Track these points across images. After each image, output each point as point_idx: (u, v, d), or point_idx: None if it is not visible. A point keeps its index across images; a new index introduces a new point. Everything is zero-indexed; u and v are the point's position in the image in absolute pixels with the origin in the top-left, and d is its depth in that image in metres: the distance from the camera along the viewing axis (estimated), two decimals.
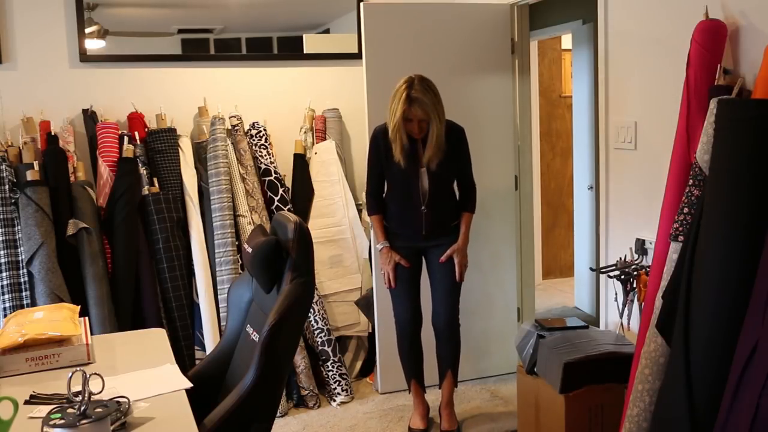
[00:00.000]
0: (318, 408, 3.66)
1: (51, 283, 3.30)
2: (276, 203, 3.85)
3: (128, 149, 3.59)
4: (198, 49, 4.00)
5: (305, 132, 4.06)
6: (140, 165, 3.64)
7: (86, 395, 1.53)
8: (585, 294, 5.24)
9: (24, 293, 3.35)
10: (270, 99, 4.05)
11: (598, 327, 3.16)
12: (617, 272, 2.77)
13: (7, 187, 3.38)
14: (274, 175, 3.86)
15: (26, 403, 1.76)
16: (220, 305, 3.63)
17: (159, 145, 3.70)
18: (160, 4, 3.96)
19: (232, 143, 3.81)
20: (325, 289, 3.92)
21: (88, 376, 1.56)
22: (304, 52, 4.15)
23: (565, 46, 5.88)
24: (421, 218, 3.17)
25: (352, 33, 4.17)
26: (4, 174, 3.38)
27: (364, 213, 3.41)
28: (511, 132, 3.90)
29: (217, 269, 3.63)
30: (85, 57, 3.72)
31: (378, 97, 3.41)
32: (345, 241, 3.98)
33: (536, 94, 5.69)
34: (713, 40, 2.28)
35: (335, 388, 3.72)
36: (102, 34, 3.79)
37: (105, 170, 3.57)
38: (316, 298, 3.78)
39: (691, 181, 2.22)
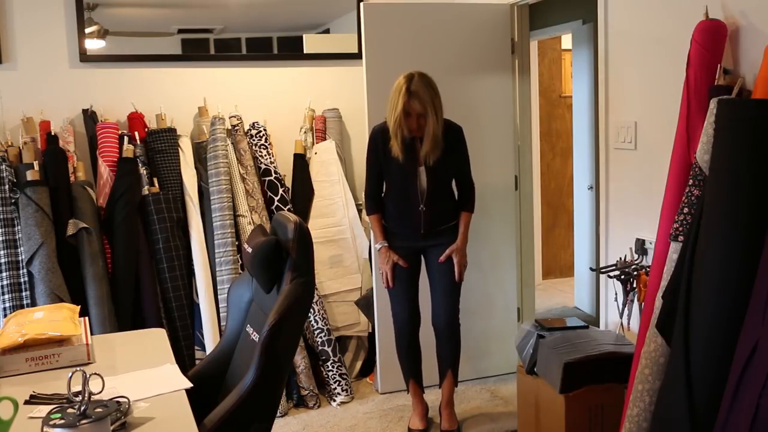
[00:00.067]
0: (318, 408, 3.66)
1: (51, 283, 3.30)
2: (276, 203, 3.85)
3: (128, 149, 3.59)
4: (198, 49, 4.01)
5: (305, 132, 4.06)
6: (140, 165, 3.64)
7: (86, 395, 1.53)
8: (585, 294, 5.24)
9: (24, 293, 3.35)
10: (270, 99, 4.05)
11: (598, 327, 3.16)
12: (617, 272, 2.77)
13: (7, 187, 3.38)
14: (274, 175, 3.86)
15: (26, 403, 1.76)
16: (220, 305, 3.63)
17: (159, 145, 3.70)
18: (160, 4, 3.96)
19: (232, 143, 3.82)
20: (325, 289, 3.92)
21: (88, 376, 1.56)
22: (304, 52, 4.15)
23: (565, 46, 5.88)
24: (419, 217, 3.17)
25: (352, 33, 4.17)
26: (4, 174, 3.38)
27: (364, 213, 3.42)
28: (511, 132, 3.90)
29: (217, 269, 3.63)
30: (85, 57, 3.72)
31: (378, 97, 3.41)
32: (345, 241, 3.98)
33: (536, 94, 5.69)
34: (713, 40, 2.28)
35: (335, 388, 3.72)
36: (102, 34, 3.79)
37: (105, 170, 3.57)
38: (316, 298, 3.78)
39: (691, 181, 2.22)
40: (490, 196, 3.83)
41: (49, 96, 3.67)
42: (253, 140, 3.88)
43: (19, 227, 3.37)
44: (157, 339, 2.33)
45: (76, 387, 1.56)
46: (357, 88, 3.83)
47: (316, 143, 4.06)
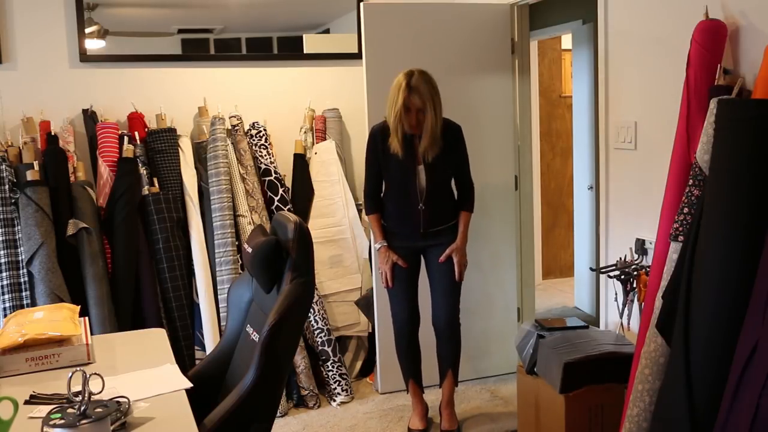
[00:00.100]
0: (318, 408, 3.66)
1: (51, 283, 3.30)
2: (276, 203, 3.85)
3: (128, 149, 3.59)
4: (198, 49, 4.01)
5: (305, 132, 4.06)
6: (140, 165, 3.64)
7: (86, 395, 1.53)
8: (585, 294, 5.24)
9: (24, 293, 3.35)
10: (270, 99, 4.05)
11: (598, 327, 3.16)
12: (617, 272, 2.77)
13: (7, 187, 3.38)
14: (274, 175, 3.86)
15: (26, 403, 1.76)
16: (220, 305, 3.63)
17: (159, 145, 3.70)
18: (160, 4, 3.96)
19: (232, 143, 3.82)
20: (325, 289, 3.92)
21: (88, 376, 1.56)
22: (304, 52, 4.15)
23: (565, 46, 5.88)
24: (418, 216, 3.17)
25: (352, 33, 4.17)
26: (4, 174, 3.38)
27: (364, 213, 3.42)
28: (511, 132, 3.90)
29: (217, 269, 3.63)
30: (85, 57, 3.72)
31: (378, 97, 3.41)
32: (345, 241, 3.98)
33: (536, 94, 5.69)
34: (713, 40, 2.28)
35: (335, 388, 3.72)
36: (102, 34, 3.79)
37: (105, 170, 3.57)
38: (316, 298, 3.78)
39: (691, 181, 2.22)
40: (490, 196, 3.83)
41: (49, 96, 3.67)
42: (253, 140, 3.88)
43: (19, 227, 3.37)
44: (157, 339, 2.33)
45: (76, 387, 1.56)
46: (357, 88, 3.83)
47: (316, 143, 4.06)
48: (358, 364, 4.02)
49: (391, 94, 3.08)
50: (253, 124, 3.90)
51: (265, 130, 3.91)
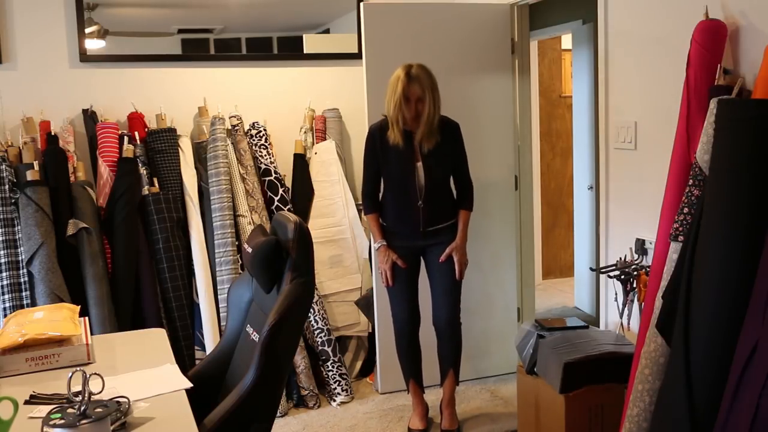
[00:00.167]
0: (318, 408, 3.66)
1: (51, 283, 3.30)
2: (276, 203, 3.85)
3: (128, 149, 3.59)
4: (198, 49, 4.00)
5: (305, 132, 4.06)
6: (140, 165, 3.64)
7: (86, 395, 1.53)
8: (585, 294, 5.24)
9: (24, 293, 3.35)
10: (270, 99, 4.05)
11: (598, 327, 3.16)
12: (617, 272, 2.77)
13: (7, 187, 3.38)
14: (274, 175, 3.86)
15: (26, 403, 1.76)
16: (220, 305, 3.63)
17: (159, 145, 3.70)
18: (160, 4, 3.96)
19: (232, 143, 3.81)
20: (325, 289, 3.92)
21: (88, 376, 1.56)
22: (304, 52, 4.15)
23: (565, 46, 5.88)
24: (418, 213, 3.17)
25: (352, 33, 4.17)
26: (4, 174, 3.38)
27: (363, 213, 3.42)
28: (511, 132, 3.90)
29: (217, 269, 3.63)
30: (85, 57, 3.72)
31: (378, 97, 3.41)
32: (345, 241, 3.98)
33: (536, 94, 5.69)
34: (713, 40, 2.28)
35: (335, 388, 3.72)
36: (102, 34, 3.79)
37: (105, 170, 3.57)
38: (316, 298, 3.78)
39: (691, 181, 2.22)
40: (491, 196, 3.83)
41: (49, 96, 3.67)
42: (253, 140, 3.88)
43: (19, 227, 3.37)
44: (157, 339, 2.33)
45: (76, 387, 1.56)
46: (357, 88, 3.83)
47: (316, 143, 4.06)
48: (358, 364, 4.02)
49: (390, 86, 3.10)
50: (253, 124, 3.90)
51: (265, 130, 3.90)
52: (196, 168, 3.78)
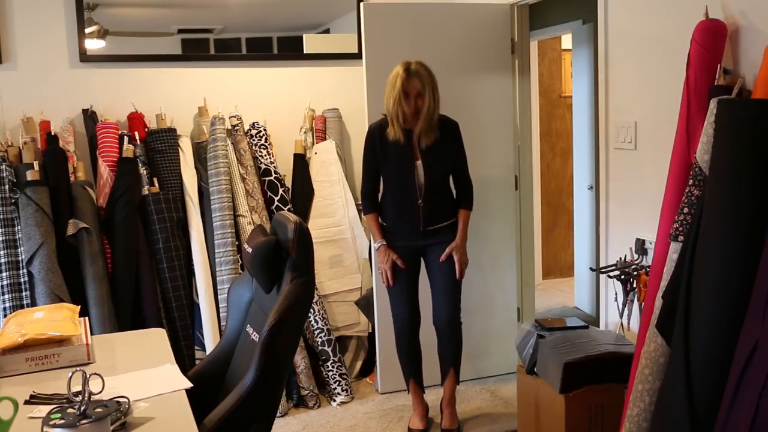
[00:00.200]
0: (318, 408, 3.66)
1: (51, 283, 3.30)
2: (276, 203, 3.85)
3: (128, 149, 3.59)
4: (198, 49, 4.00)
5: (305, 132, 4.06)
6: (140, 165, 3.64)
7: (86, 395, 1.53)
8: (585, 294, 5.24)
9: (24, 293, 3.35)
10: (270, 99, 4.05)
11: (598, 327, 3.16)
12: (617, 272, 2.77)
13: (7, 187, 3.38)
14: (274, 175, 3.86)
15: (26, 403, 1.76)
16: (220, 305, 3.63)
17: (159, 145, 3.70)
18: (160, 4, 3.96)
19: (232, 143, 3.81)
20: (325, 289, 3.92)
21: (88, 376, 1.56)
22: (304, 52, 4.15)
23: (565, 46, 5.88)
24: (418, 212, 3.17)
25: (352, 33, 4.17)
26: (4, 174, 3.38)
27: (362, 213, 3.42)
28: (511, 132, 3.90)
29: (217, 269, 3.63)
30: (85, 57, 3.72)
31: (378, 97, 3.40)
32: (345, 241, 3.98)
33: (536, 94, 5.69)
34: (713, 40, 2.28)
35: (335, 388, 3.72)
36: (102, 34, 3.79)
37: (105, 170, 3.57)
38: (316, 298, 3.78)
39: (691, 181, 2.22)
40: (491, 197, 3.83)
41: (49, 96, 3.67)
42: (253, 140, 3.88)
43: (19, 227, 3.37)
44: (157, 339, 2.33)
45: (76, 387, 1.56)
46: (357, 88, 3.83)
47: (316, 143, 4.06)
48: (358, 364, 4.02)
49: (389, 82, 3.11)
50: (253, 124, 3.90)
51: (265, 130, 3.90)
52: (196, 168, 3.78)
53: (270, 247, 2.06)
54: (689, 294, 2.05)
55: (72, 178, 3.53)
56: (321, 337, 3.74)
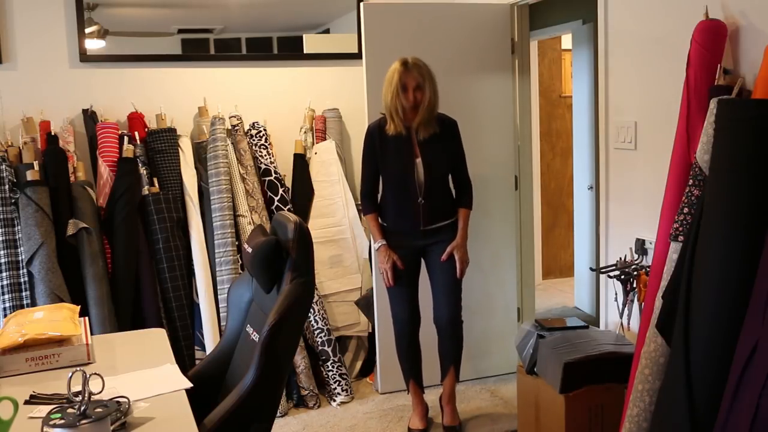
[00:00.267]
0: (318, 408, 3.66)
1: (51, 283, 3.30)
2: (276, 203, 3.85)
3: (128, 149, 3.59)
4: (198, 49, 4.00)
5: (305, 132, 4.06)
6: (140, 165, 3.64)
7: (86, 395, 1.53)
8: (585, 294, 5.24)
9: (24, 293, 3.35)
10: (270, 99, 4.05)
11: (598, 327, 3.16)
12: (617, 272, 2.77)
13: (7, 187, 3.38)
14: (274, 175, 3.86)
15: (26, 403, 1.76)
16: (220, 305, 3.63)
17: (159, 145, 3.70)
18: (160, 4, 3.96)
19: (232, 143, 3.81)
20: (325, 289, 3.92)
21: (88, 376, 1.56)
22: (304, 52, 4.15)
23: (565, 46, 5.88)
24: (418, 210, 3.17)
25: (352, 33, 4.17)
26: (4, 174, 3.38)
27: (362, 213, 3.42)
28: (511, 132, 3.90)
29: (217, 269, 3.63)
30: (85, 57, 3.72)
31: (378, 97, 3.40)
32: (345, 241, 3.98)
33: (536, 94, 5.69)
34: (713, 40, 2.28)
35: (335, 388, 3.72)
36: (102, 34, 3.79)
37: (105, 170, 3.57)
38: (316, 298, 3.78)
39: (691, 181, 2.22)
40: (491, 197, 3.83)
41: (49, 96, 3.67)
42: (253, 140, 3.88)
43: (19, 227, 3.37)
44: (157, 339, 2.33)
45: (76, 387, 1.56)
46: (357, 88, 3.83)
47: (316, 143, 4.06)
48: (358, 364, 4.02)
49: (387, 78, 3.12)
50: (253, 124, 3.90)
51: (265, 130, 3.91)
52: (196, 168, 3.78)
53: (270, 247, 2.06)
54: (689, 294, 2.05)
55: (72, 178, 3.53)
56: (321, 337, 3.74)
